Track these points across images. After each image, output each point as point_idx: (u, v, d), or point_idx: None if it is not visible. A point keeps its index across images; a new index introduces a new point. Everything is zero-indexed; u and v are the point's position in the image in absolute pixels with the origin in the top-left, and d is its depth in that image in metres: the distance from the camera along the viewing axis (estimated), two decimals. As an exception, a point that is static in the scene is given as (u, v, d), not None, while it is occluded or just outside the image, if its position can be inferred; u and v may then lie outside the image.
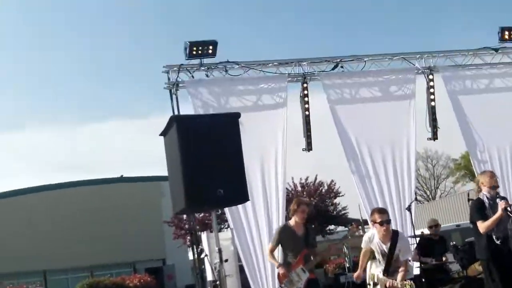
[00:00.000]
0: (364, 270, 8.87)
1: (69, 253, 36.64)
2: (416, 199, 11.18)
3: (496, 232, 7.98)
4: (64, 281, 38.49)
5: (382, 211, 8.60)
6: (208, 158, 6.10)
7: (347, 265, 22.66)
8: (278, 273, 9.01)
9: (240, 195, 6.32)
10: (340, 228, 36.55)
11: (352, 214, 34.99)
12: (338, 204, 36.78)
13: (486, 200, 8.13)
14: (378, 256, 8.53)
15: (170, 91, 11.35)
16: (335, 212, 36.37)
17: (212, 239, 6.64)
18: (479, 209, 8.11)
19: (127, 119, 79.01)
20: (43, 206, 37.39)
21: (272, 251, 9.19)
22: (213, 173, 6.08)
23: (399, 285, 8.14)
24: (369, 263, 8.79)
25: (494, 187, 8.20)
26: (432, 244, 11.30)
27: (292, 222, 9.09)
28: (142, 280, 29.68)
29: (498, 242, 7.94)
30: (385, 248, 8.40)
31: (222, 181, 6.08)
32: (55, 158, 71.46)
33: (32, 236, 35.98)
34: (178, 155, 6.06)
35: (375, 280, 8.46)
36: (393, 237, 8.45)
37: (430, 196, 60.74)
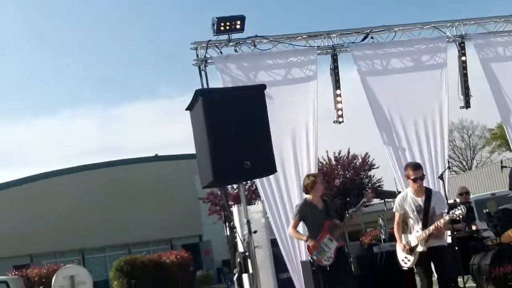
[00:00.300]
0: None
1: (106, 231, 37.11)
2: (449, 167, 11.07)
3: None
4: (101, 259, 39.02)
5: (416, 168, 8.43)
6: (235, 131, 6.09)
7: (383, 237, 22.65)
8: (308, 246, 9.08)
9: (267, 166, 6.30)
10: (376, 200, 36.44)
11: (387, 186, 34.90)
12: (373, 177, 36.69)
13: None
14: (412, 215, 8.38)
15: (199, 67, 11.34)
16: (370, 184, 36.29)
17: (243, 212, 6.65)
18: None
19: (156, 99, 79.31)
20: (79, 187, 37.83)
21: (295, 227, 9.25)
22: (240, 145, 6.06)
23: (447, 218, 8.11)
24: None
25: None
26: None
27: (310, 197, 9.15)
28: (178, 256, 29.94)
29: None
30: (420, 201, 8.33)
31: (249, 153, 6.06)
32: (88, 142, 72.12)
33: (69, 215, 36.46)
34: (204, 129, 6.05)
35: (414, 243, 8.26)
36: (427, 192, 8.42)
37: (466, 167, 60.13)
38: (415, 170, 8.38)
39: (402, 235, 8.62)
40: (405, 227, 8.73)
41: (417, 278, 8.80)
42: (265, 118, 6.30)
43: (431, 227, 8.16)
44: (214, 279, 36.23)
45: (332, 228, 9.03)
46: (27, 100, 69.72)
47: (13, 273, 25.09)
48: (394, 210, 8.71)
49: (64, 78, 71.61)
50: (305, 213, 9.14)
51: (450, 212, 8.19)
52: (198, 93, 6.18)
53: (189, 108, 6.56)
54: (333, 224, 9.07)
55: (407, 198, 8.47)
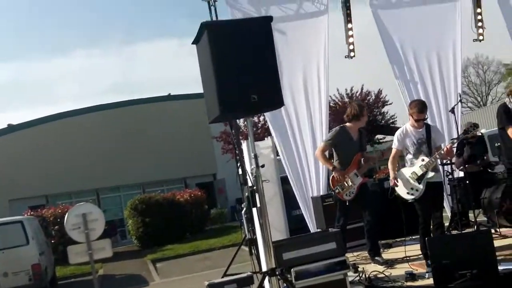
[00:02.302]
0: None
1: (121, 171, 37.33)
2: (460, 101, 10.93)
3: None
4: (116, 198, 39.37)
5: (422, 111, 8.38)
6: (241, 64, 5.95)
7: (397, 173, 22.55)
8: (332, 177, 9.11)
9: (274, 99, 6.18)
10: (389, 137, 36.37)
11: (401, 122, 34.74)
12: (387, 113, 36.54)
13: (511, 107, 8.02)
14: (413, 149, 8.44)
15: (209, 2, 11.10)
16: (383, 121, 36.15)
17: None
18: (508, 114, 8.00)
19: (173, 38, 79.24)
20: (93, 127, 37.88)
21: (323, 151, 9.26)
22: (246, 78, 5.93)
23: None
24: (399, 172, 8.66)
25: None
26: (469, 145, 11.31)
27: (350, 125, 9.13)
28: (192, 195, 30.26)
29: None
30: (422, 134, 8.40)
31: (256, 86, 5.94)
32: (104, 80, 72.52)
33: (83, 155, 36.60)
34: (210, 62, 5.93)
35: (422, 172, 8.27)
36: (426, 125, 8.52)
37: (481, 103, 59.81)
38: (420, 113, 8.38)
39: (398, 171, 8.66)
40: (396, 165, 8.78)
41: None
42: (271, 51, 6.15)
43: (441, 150, 8.20)
44: (228, 217, 36.56)
45: (360, 162, 9.04)
46: (41, 41, 69.76)
47: (28, 213, 25.44)
48: (393, 146, 8.71)
49: (76, 18, 71.48)
50: (339, 140, 9.11)
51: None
52: (204, 26, 6.03)
53: (196, 41, 6.43)
54: (363, 157, 9.07)
55: (407, 132, 8.51)
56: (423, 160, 8.30)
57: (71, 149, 36.64)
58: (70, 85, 75.80)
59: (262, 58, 6.10)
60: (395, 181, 8.43)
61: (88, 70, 72.10)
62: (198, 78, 6.54)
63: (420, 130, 8.45)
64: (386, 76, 12.92)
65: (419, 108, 8.39)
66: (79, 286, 19.45)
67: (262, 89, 6.01)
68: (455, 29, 11.69)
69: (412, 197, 8.37)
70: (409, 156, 8.55)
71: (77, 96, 75.91)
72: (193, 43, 6.53)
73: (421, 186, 8.29)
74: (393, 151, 8.66)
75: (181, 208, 28.97)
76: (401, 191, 8.50)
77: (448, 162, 9.85)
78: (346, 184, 8.99)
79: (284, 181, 11.02)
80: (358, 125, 9.19)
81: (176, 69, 79.93)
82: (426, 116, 8.54)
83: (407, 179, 8.43)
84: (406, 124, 8.68)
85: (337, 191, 9.07)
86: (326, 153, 9.41)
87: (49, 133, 36.98)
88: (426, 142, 8.39)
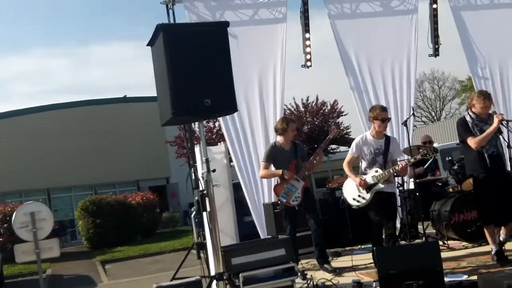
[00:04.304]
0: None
1: (73, 171, 36.86)
2: (413, 114, 11.10)
3: (488, 149, 7.97)
4: (67, 198, 38.88)
5: (385, 109, 8.61)
6: (195, 68, 5.93)
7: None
8: (275, 187, 9.16)
9: (227, 105, 6.16)
10: (343, 148, 36.59)
11: (355, 133, 34.97)
12: (341, 124, 36.72)
13: (469, 119, 8.09)
14: (368, 158, 8.53)
15: (167, 6, 11.10)
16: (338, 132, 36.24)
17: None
18: (466, 126, 8.08)
19: (129, 41, 78.86)
20: (47, 125, 37.36)
21: (266, 168, 9.26)
22: (200, 82, 5.92)
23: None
24: (348, 180, 8.79)
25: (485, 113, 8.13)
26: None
27: (280, 140, 9.21)
28: (144, 198, 29.98)
29: (489, 158, 7.93)
30: (380, 144, 8.46)
31: (209, 90, 5.93)
32: (59, 81, 71.79)
33: (35, 154, 36.12)
34: (164, 65, 5.90)
35: (372, 182, 8.40)
36: (386, 137, 8.63)
37: (435, 117, 60.70)
38: (384, 111, 8.54)
39: (348, 179, 8.81)
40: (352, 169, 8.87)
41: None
42: (227, 56, 6.15)
43: (397, 166, 8.27)
44: (180, 221, 36.38)
45: (298, 167, 9.07)
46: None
47: (-24, 211, 24.90)
48: (349, 152, 8.81)
49: (37, 16, 70.66)
50: (273, 155, 9.19)
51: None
52: (159, 28, 5.99)
53: (150, 43, 6.39)
54: (299, 163, 9.11)
55: (367, 140, 8.59)
56: (376, 171, 8.41)
57: (23, 147, 36.08)
58: (24, 84, 74.88)
59: (217, 62, 6.09)
60: (361, 180, 8.47)
61: (44, 70, 71.32)
62: (154, 81, 6.49)
63: (380, 140, 8.55)
64: (342, 87, 13.06)
65: (381, 106, 8.74)
66: (27, 285, 19.07)
67: (216, 94, 6.00)
68: (410, 42, 11.87)
69: (358, 204, 8.56)
70: (363, 165, 8.65)
71: (30, 95, 75.01)
72: (148, 44, 6.49)
73: (368, 195, 8.44)
74: (349, 156, 8.77)
75: (132, 210, 28.70)
76: (349, 196, 8.70)
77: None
78: (290, 190, 9.01)
79: (237, 187, 11.02)
80: (288, 137, 9.25)
81: (133, 71, 79.52)
82: (389, 116, 8.68)
83: (356, 186, 8.54)
84: (366, 132, 8.80)
85: (284, 200, 9.07)
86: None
87: (0, 130, 36.36)
88: (383, 154, 8.49)
